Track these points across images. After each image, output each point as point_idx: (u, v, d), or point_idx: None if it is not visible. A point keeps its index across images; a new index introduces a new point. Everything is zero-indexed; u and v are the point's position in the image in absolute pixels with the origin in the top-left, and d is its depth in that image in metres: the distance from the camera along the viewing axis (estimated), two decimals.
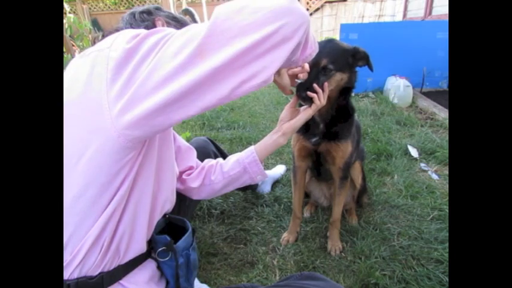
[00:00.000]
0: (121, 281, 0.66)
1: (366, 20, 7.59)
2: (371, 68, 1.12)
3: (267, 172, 1.45)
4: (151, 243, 0.73)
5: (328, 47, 1.06)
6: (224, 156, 1.20)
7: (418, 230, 1.41)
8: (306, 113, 0.95)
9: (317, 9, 8.05)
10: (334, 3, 7.98)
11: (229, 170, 0.96)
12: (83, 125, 0.55)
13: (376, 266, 1.22)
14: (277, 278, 1.21)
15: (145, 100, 0.49)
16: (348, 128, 1.21)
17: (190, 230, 0.78)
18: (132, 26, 0.83)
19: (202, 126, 2.78)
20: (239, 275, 1.23)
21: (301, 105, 0.99)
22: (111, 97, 0.51)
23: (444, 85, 3.54)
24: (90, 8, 9.10)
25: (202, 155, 1.14)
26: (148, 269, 0.72)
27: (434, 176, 1.86)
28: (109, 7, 9.44)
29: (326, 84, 0.97)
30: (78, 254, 0.59)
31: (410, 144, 2.22)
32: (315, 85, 0.94)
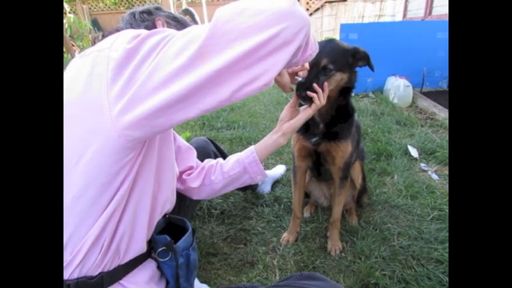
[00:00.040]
0: (121, 281, 0.66)
1: (366, 20, 7.58)
2: (372, 68, 1.12)
3: (267, 172, 1.45)
4: (151, 243, 0.73)
5: (328, 47, 1.06)
6: (224, 156, 1.20)
7: (418, 230, 1.41)
8: (305, 113, 0.95)
9: (317, 9, 8.05)
10: (334, 3, 7.97)
11: (229, 170, 0.96)
12: (83, 125, 0.55)
13: (376, 266, 1.22)
14: (277, 278, 1.21)
15: (145, 101, 0.49)
16: (348, 128, 1.21)
17: (190, 230, 0.78)
18: (132, 26, 0.83)
19: (202, 126, 2.78)
20: (239, 275, 1.23)
21: (301, 105, 0.99)
22: (111, 97, 0.51)
23: (444, 85, 3.54)
24: (90, 8, 9.09)
25: (202, 155, 1.14)
26: (148, 269, 0.72)
27: (434, 176, 1.86)
28: (109, 7, 9.44)
29: (326, 84, 0.97)
30: (78, 254, 0.59)
31: (410, 144, 2.22)
32: (314, 85, 0.94)
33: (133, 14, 0.85)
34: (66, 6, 4.60)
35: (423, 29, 3.45)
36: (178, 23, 0.87)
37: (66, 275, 0.60)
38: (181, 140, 1.04)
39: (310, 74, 0.97)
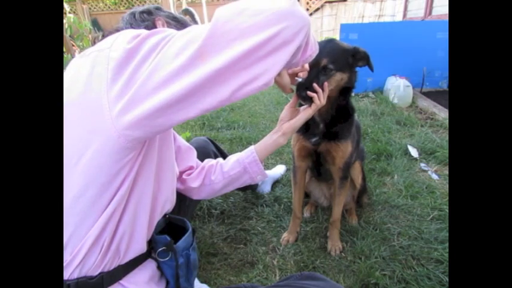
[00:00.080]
0: (121, 281, 0.66)
1: (366, 20, 7.58)
2: (371, 68, 1.12)
3: (267, 172, 1.45)
4: (151, 243, 0.73)
5: (328, 47, 1.06)
6: (224, 156, 1.20)
7: (418, 230, 1.41)
8: (305, 113, 0.95)
9: (317, 9, 8.05)
10: (334, 3, 7.97)
11: (229, 170, 0.96)
12: (83, 125, 0.55)
13: (376, 266, 1.22)
14: (277, 278, 1.21)
15: (146, 100, 0.49)
16: (347, 128, 1.21)
17: (190, 230, 0.78)
18: (132, 26, 0.83)
19: (202, 126, 2.78)
20: (239, 275, 1.23)
21: (301, 105, 0.99)
22: (111, 97, 0.51)
23: (444, 85, 3.54)
24: (90, 8, 9.10)
25: (202, 155, 1.14)
26: (149, 269, 0.72)
27: (434, 176, 1.86)
28: (109, 7, 9.44)
29: (326, 84, 0.97)
30: (78, 254, 0.59)
31: (410, 144, 2.22)
32: (314, 85, 0.94)
33: (133, 14, 0.85)
34: (66, 6, 4.61)
35: (423, 29, 3.45)
36: (178, 23, 0.87)
37: (66, 275, 0.60)
38: (181, 140, 1.04)
39: (310, 74, 0.98)
